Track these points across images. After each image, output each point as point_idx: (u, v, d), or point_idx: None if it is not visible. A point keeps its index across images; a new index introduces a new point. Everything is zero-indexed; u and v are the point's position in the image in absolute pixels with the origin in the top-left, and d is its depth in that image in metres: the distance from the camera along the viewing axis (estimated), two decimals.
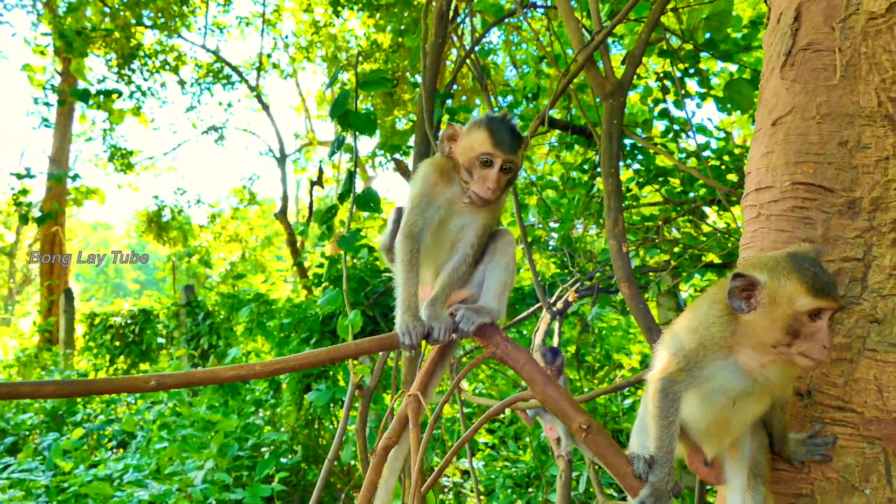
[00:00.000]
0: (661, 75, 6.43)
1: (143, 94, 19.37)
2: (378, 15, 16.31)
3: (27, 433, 10.72)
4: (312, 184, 20.86)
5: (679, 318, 2.06)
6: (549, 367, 5.24)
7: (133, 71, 19.32)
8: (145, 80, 19.82)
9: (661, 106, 6.64)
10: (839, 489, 1.95)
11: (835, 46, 2.18)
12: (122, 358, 16.19)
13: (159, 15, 18.73)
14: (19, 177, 9.88)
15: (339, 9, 16.33)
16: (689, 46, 5.76)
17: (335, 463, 8.41)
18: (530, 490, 7.73)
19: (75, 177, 13.12)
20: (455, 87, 13.24)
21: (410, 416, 1.92)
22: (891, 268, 2.00)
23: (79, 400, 11.78)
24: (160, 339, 16.59)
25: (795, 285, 1.74)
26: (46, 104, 18.92)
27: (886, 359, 1.97)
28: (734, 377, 1.87)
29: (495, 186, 2.07)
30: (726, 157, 6.51)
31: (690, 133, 6.16)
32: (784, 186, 2.19)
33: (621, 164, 6.70)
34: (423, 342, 2.03)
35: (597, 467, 4.90)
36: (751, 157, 2.39)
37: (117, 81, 18.96)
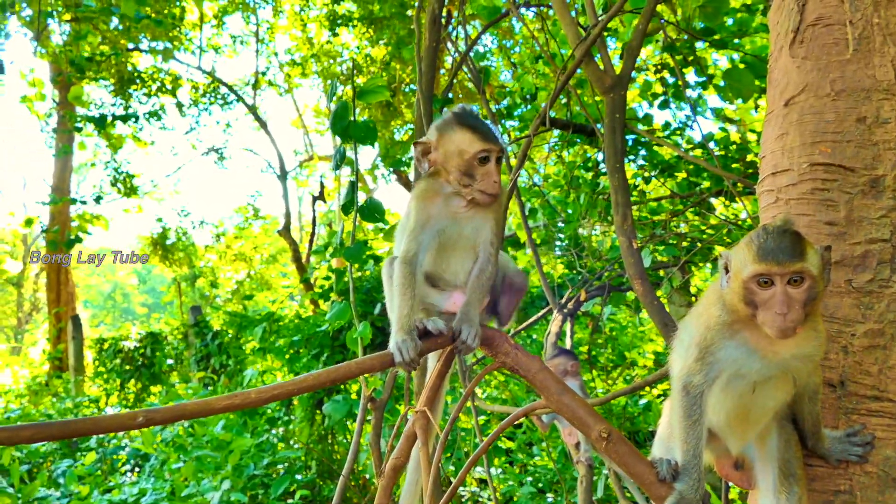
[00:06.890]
0: (660, 67, 6.35)
1: (148, 119, 19.43)
2: (372, 28, 16.30)
3: (41, 461, 10.64)
4: (314, 199, 20.83)
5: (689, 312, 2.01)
6: (571, 362, 5.11)
7: (130, 97, 19.34)
8: (142, 104, 19.83)
9: (661, 99, 6.55)
10: (880, 484, 1.84)
11: (846, 19, 2.09)
12: (132, 382, 16.17)
13: (153, 39, 18.76)
14: (44, 204, 10.16)
15: (337, 27, 16.40)
16: (684, 36, 5.68)
17: (350, 477, 8.33)
18: (549, 496, 7.60)
19: (98, 198, 13.18)
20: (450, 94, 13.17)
21: (419, 434, 1.82)
22: None
23: None
24: (169, 361, 16.55)
25: (745, 253, 1.71)
26: (58, 131, 18.87)
27: None
28: (747, 356, 1.79)
29: (499, 178, 2.07)
30: (732, 147, 6.42)
31: (693, 125, 6.07)
32: (802, 168, 2.09)
33: (625, 159, 6.62)
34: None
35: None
36: (764, 141, 2.30)
37: (114, 105, 18.98)
